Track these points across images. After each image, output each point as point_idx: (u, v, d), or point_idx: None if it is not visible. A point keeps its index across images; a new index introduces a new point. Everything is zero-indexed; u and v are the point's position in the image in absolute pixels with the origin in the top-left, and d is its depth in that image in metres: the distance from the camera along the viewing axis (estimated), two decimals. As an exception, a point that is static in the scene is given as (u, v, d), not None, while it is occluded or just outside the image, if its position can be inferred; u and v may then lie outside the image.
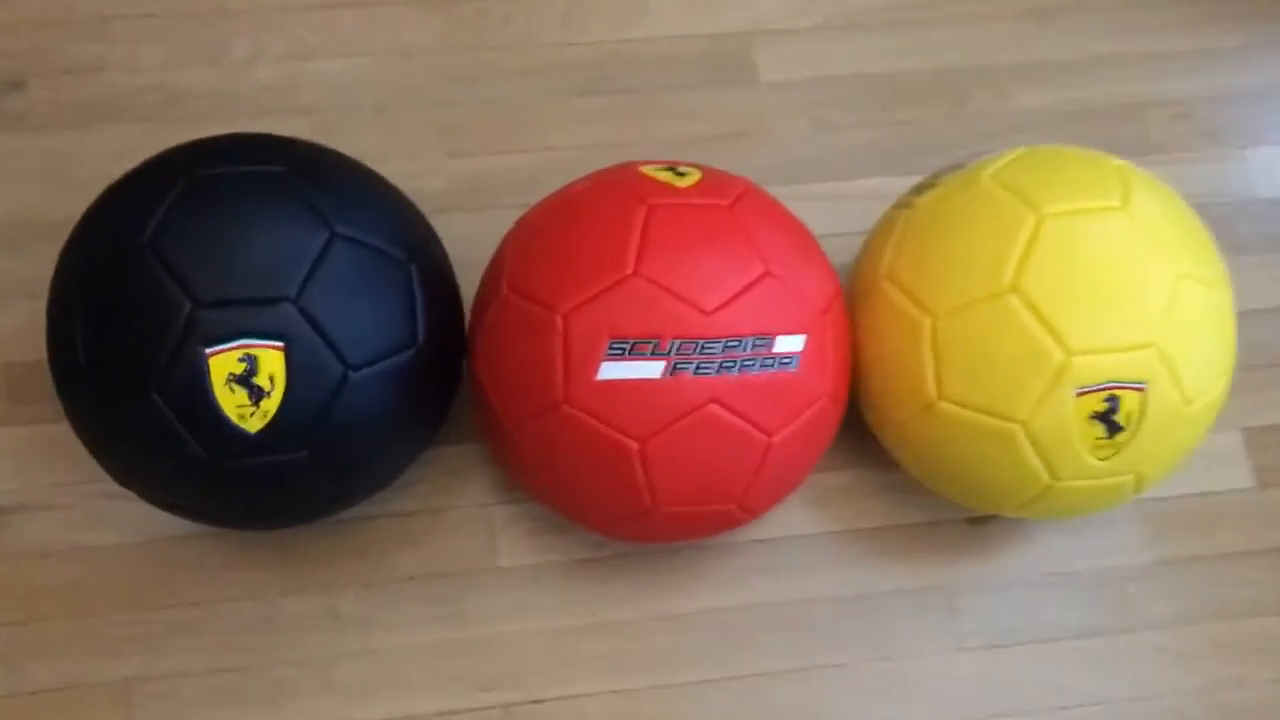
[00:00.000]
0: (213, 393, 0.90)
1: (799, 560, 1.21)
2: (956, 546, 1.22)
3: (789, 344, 0.96)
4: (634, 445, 0.94)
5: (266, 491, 0.97)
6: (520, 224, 1.05)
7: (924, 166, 1.22)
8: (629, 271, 0.94)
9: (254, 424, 0.92)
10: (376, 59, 1.34)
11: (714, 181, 1.02)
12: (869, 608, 1.20)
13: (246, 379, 0.91)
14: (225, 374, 0.90)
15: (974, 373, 0.96)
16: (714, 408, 0.94)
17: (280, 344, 0.91)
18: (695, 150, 1.20)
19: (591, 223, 0.98)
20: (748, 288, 0.95)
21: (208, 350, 0.90)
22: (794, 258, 1.00)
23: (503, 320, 0.99)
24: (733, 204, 1.00)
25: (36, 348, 1.12)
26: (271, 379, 0.91)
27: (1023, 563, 1.22)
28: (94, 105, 1.29)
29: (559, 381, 0.95)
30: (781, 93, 1.36)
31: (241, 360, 0.90)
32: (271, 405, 0.92)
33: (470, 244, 1.10)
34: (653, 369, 0.93)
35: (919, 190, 1.07)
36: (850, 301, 1.07)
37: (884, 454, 1.15)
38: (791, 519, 1.20)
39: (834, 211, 1.23)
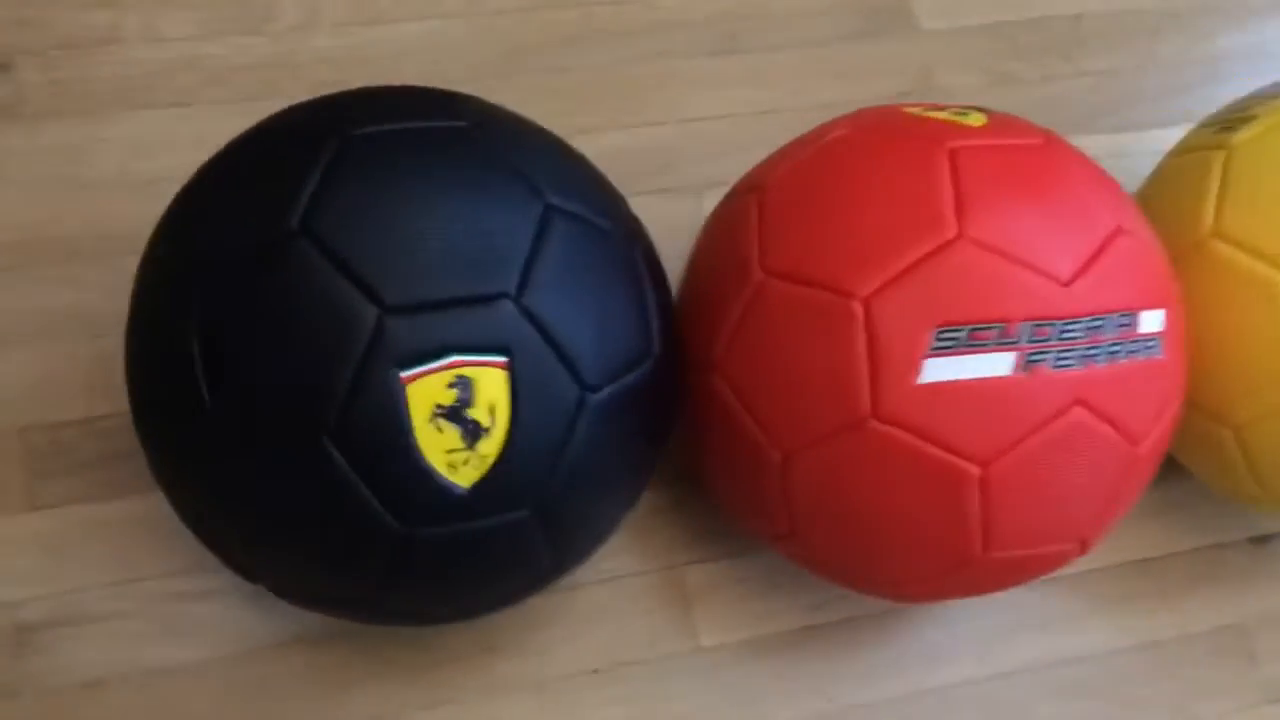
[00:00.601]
0: (413, 435, 0.62)
1: (1063, 609, 0.96)
2: (1243, 573, 0.98)
3: (1151, 321, 0.72)
4: (973, 470, 0.69)
5: (468, 570, 0.69)
6: (755, 188, 0.78)
7: (1121, 123, 1.05)
8: (952, 234, 0.68)
9: (467, 475, 0.64)
10: (461, 20, 1.06)
11: (1004, 120, 0.77)
12: (1154, 661, 0.96)
13: (459, 412, 0.63)
14: (430, 406, 0.62)
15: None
16: (1079, 412, 0.69)
17: (503, 359, 0.63)
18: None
19: (878, 176, 0.72)
20: (1101, 248, 0.71)
21: (404, 374, 0.61)
22: (1132, 209, 0.75)
23: (761, 315, 0.73)
24: (1045, 144, 0.75)
25: (59, 405, 0.85)
26: (492, 410, 0.63)
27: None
28: (106, 88, 0.99)
29: (863, 389, 0.69)
30: (947, 42, 1.13)
31: (452, 385, 0.63)
32: (492, 447, 0.64)
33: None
34: (999, 363, 0.68)
35: (1226, 127, 0.84)
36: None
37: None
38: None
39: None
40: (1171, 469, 0.94)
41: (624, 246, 0.72)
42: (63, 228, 0.95)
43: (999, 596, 0.93)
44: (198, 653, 0.86)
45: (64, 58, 1.00)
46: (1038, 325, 0.69)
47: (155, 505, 0.82)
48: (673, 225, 0.84)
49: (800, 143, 0.80)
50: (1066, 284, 0.70)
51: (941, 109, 0.79)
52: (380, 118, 0.69)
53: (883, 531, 0.74)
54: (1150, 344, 0.72)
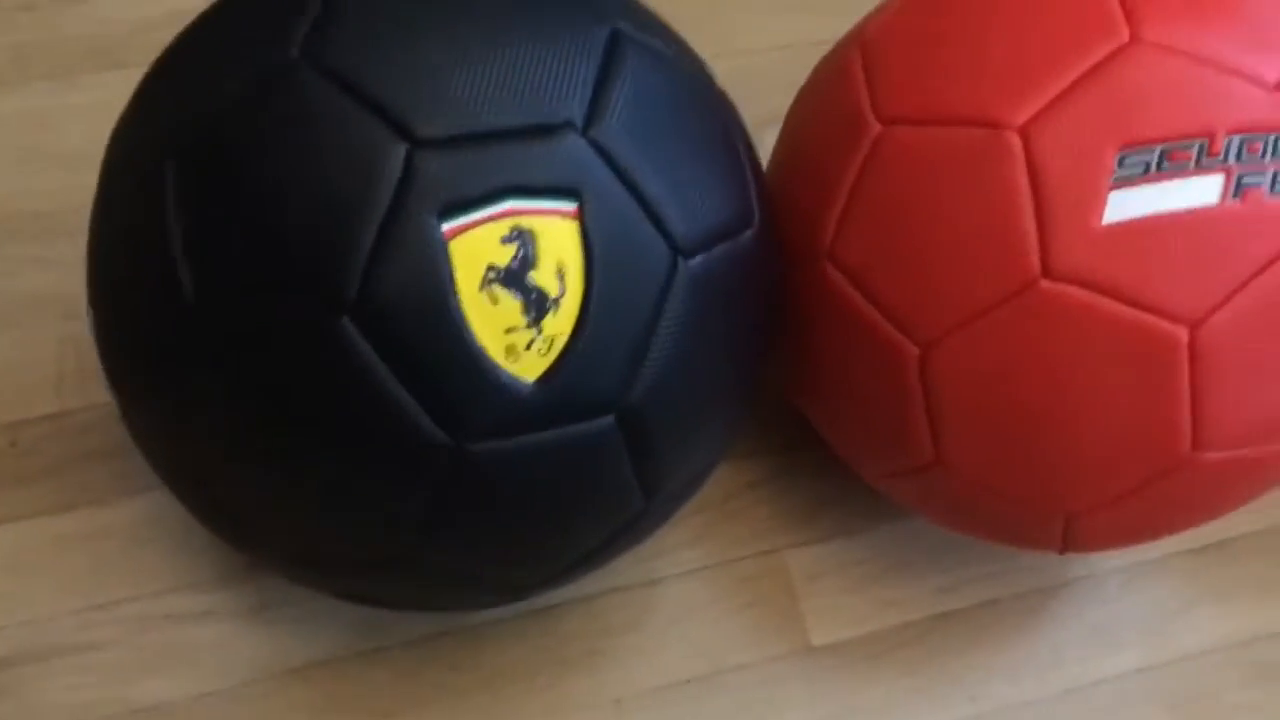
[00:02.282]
0: (459, 306, 0.45)
1: (1251, 574, 0.79)
2: None
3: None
4: (1181, 333, 0.52)
5: (539, 503, 0.51)
6: (853, 40, 0.63)
7: None
8: (1125, 38, 0.53)
9: (532, 364, 0.48)
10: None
11: None
12: (1273, 661, 0.76)
13: (519, 275, 0.46)
14: (482, 268, 0.46)
15: None
16: None
17: (572, 206, 0.47)
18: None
19: None
20: None
21: (447, 226, 0.45)
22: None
23: (882, 176, 0.57)
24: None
25: (22, 401, 0.68)
26: (562, 274, 0.47)
27: None
28: (75, 49, 0.85)
29: (1029, 241, 0.53)
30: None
31: (509, 240, 0.46)
32: (563, 324, 0.48)
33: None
34: (1205, 189, 0.52)
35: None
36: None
37: None
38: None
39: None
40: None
41: (712, 92, 0.57)
42: (29, 202, 0.80)
43: (1165, 564, 0.76)
44: (193, 686, 0.69)
45: (28, 20, 0.86)
46: (1248, 139, 0.53)
47: (137, 513, 0.66)
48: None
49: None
50: (1276, 87, 0.53)
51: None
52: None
53: (1059, 434, 0.57)
54: (1381, 172, 0.56)
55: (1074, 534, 0.63)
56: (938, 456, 0.61)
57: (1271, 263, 0.53)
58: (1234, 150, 0.53)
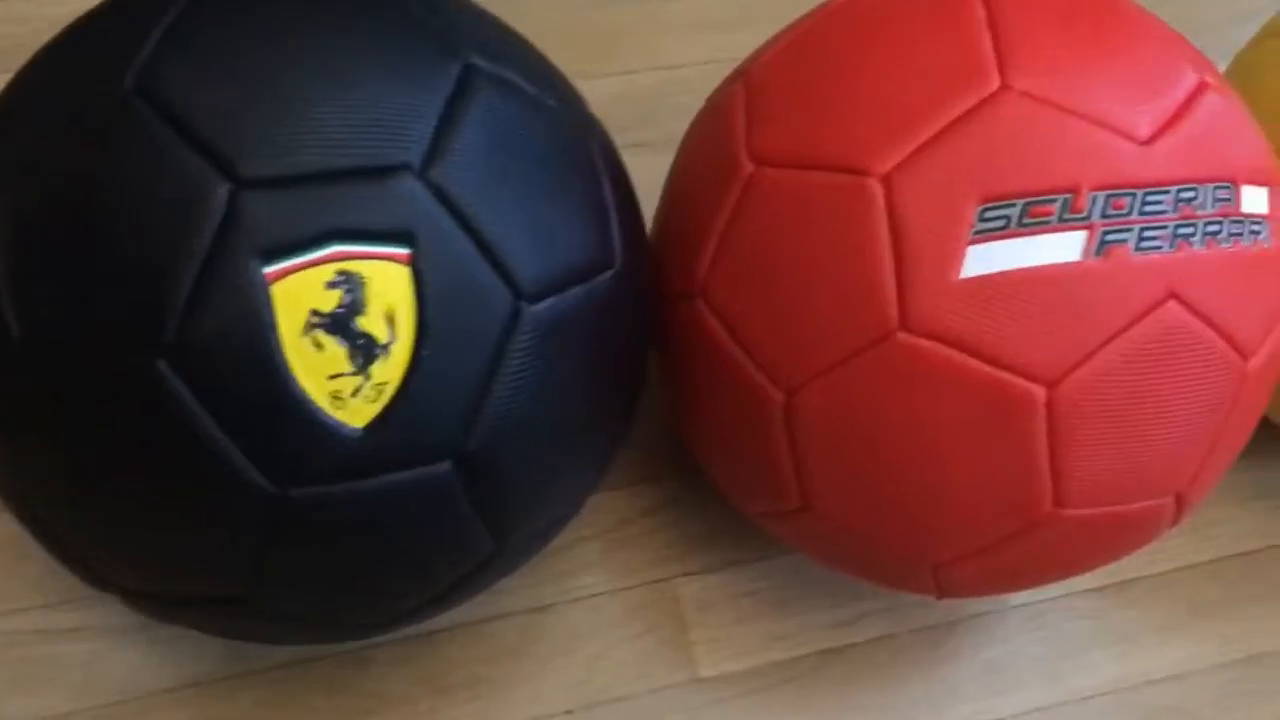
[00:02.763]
0: (281, 353, 0.44)
1: (1148, 617, 0.77)
2: None
3: (1255, 200, 0.55)
4: (1038, 392, 0.51)
5: (373, 549, 0.50)
6: (740, 74, 0.61)
7: None
8: (994, 87, 0.51)
9: (359, 411, 0.47)
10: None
11: None
12: (1261, 679, 0.75)
13: (344, 321, 0.45)
14: (305, 313, 0.45)
15: None
16: (1174, 308, 0.52)
17: (404, 250, 0.46)
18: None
19: (892, 29, 0.57)
20: (1186, 104, 0.54)
21: (269, 269, 0.44)
22: (1215, 69, 0.58)
23: (752, 217, 0.56)
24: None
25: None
26: (391, 320, 0.46)
27: None
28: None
29: (887, 292, 0.52)
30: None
31: (335, 284, 0.45)
32: (392, 372, 0.47)
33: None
34: (1066, 246, 0.51)
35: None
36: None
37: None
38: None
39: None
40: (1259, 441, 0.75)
41: (575, 130, 0.55)
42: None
43: (1067, 604, 0.75)
44: (62, 703, 0.68)
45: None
46: (1114, 195, 0.51)
47: (7, 527, 0.65)
48: (653, 182, 0.68)
49: (800, 19, 0.64)
50: (1146, 142, 0.52)
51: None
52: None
53: (919, 487, 0.56)
54: (1256, 228, 0.55)
55: (945, 582, 0.62)
56: (804, 502, 0.60)
57: (1134, 322, 0.52)
58: (1098, 206, 0.52)
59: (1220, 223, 0.54)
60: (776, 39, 0.64)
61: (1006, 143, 0.53)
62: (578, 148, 0.55)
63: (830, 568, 0.68)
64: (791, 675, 0.74)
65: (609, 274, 0.55)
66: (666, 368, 0.65)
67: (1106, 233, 0.52)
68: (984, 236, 0.52)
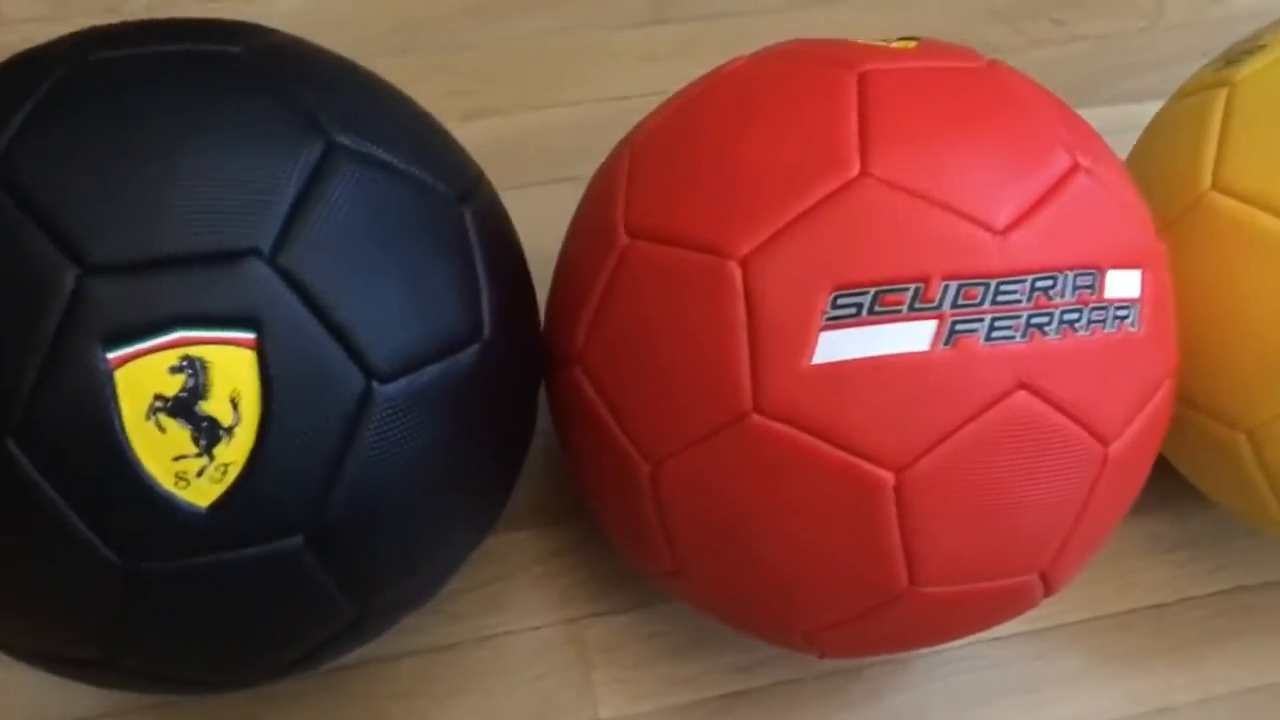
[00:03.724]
0: (124, 434, 0.46)
1: (1057, 668, 0.77)
2: (1276, 622, 0.79)
3: (1123, 284, 0.55)
4: (886, 477, 0.51)
5: (225, 619, 0.52)
6: (636, 139, 0.62)
7: (1120, 94, 0.90)
8: (854, 173, 0.52)
9: (203, 490, 0.48)
10: (346, -9, 0.92)
11: (939, 46, 0.61)
12: None
13: (187, 405, 0.47)
14: (148, 397, 0.46)
15: None
16: (1024, 398, 0.52)
17: (249, 335, 0.47)
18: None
19: (765, 107, 0.57)
20: (1053, 189, 0.54)
21: (112, 354, 0.45)
22: (1100, 149, 0.58)
23: (625, 288, 0.56)
24: (989, 66, 0.59)
25: None
26: (236, 403, 0.47)
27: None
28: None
29: (742, 375, 0.52)
30: (911, 7, 0.96)
31: (178, 369, 0.47)
32: (236, 453, 0.48)
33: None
34: (916, 335, 0.51)
35: (1230, 61, 0.67)
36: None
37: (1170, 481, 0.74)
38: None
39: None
40: (1187, 491, 0.76)
41: (445, 203, 0.56)
42: None
43: (974, 651, 0.75)
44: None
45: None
46: (966, 285, 0.52)
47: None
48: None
49: (693, 82, 0.64)
50: (1003, 231, 0.52)
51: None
52: (130, 42, 0.54)
53: (779, 562, 0.57)
54: (1123, 312, 0.55)
55: (821, 645, 0.63)
56: (676, 567, 0.61)
57: (982, 411, 0.53)
58: (950, 296, 0.52)
59: (1079, 310, 0.54)
60: (664, 105, 0.64)
61: (861, 230, 0.53)
62: (447, 220, 0.56)
63: (721, 622, 0.69)
64: (694, 718, 0.75)
65: (475, 347, 0.56)
66: (557, 427, 0.66)
67: (957, 323, 0.52)
68: (836, 324, 0.52)
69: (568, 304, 0.62)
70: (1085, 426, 0.55)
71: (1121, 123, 0.81)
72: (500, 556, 0.77)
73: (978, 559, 0.56)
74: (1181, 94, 0.72)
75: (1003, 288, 0.53)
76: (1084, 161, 0.57)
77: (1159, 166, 0.69)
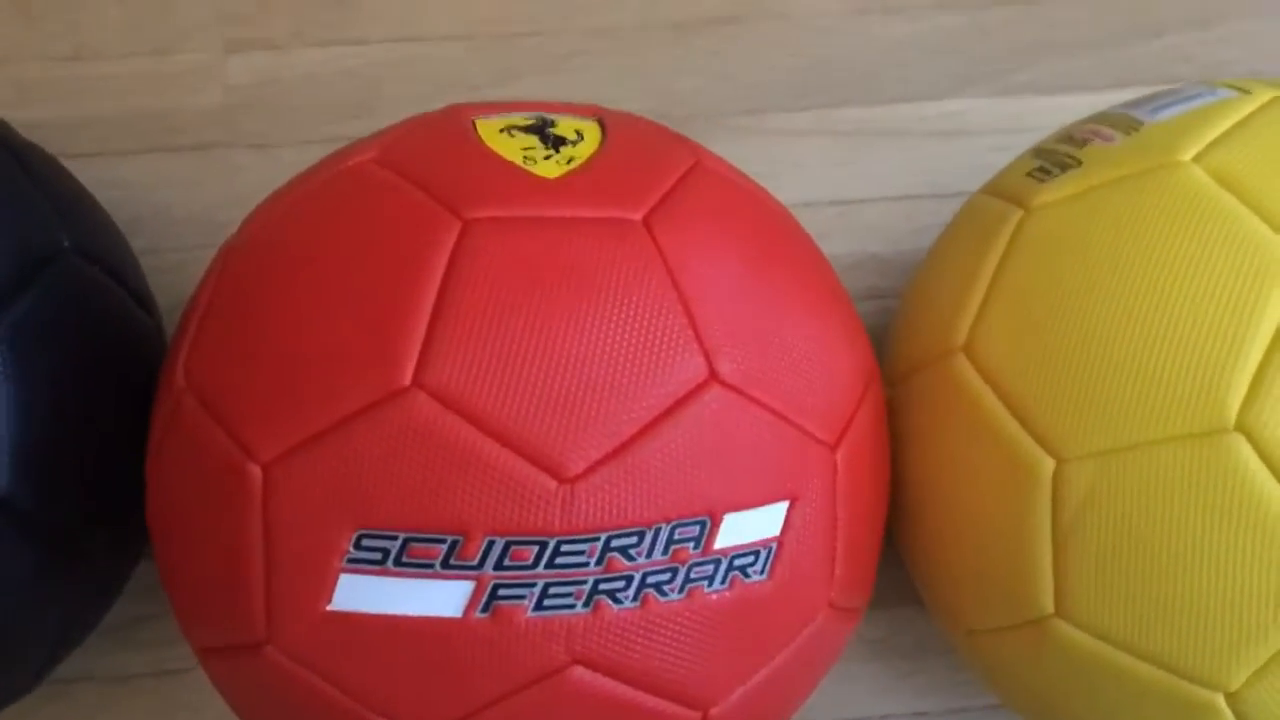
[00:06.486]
0: None
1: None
2: None
3: (749, 527, 0.44)
4: (411, 743, 0.42)
5: None
6: (232, 249, 0.51)
7: (1041, 81, 0.74)
8: (404, 380, 0.41)
9: None
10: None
11: (621, 159, 0.47)
12: None
13: None
14: None
15: (1145, 580, 0.46)
16: (580, 673, 0.42)
17: None
18: (651, 48, 0.74)
19: (345, 257, 0.44)
20: (661, 418, 0.42)
21: None
22: (778, 325, 0.46)
23: (172, 449, 0.47)
24: (650, 214, 0.46)
25: None
26: None
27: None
28: None
29: (257, 602, 0.43)
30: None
31: None
32: None
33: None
34: (447, 598, 0.41)
35: (1048, 167, 0.53)
36: (903, 379, 0.55)
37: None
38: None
39: (881, 160, 0.73)
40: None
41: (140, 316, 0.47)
42: None
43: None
44: None
45: None
46: (515, 543, 0.41)
47: None
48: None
49: (313, 167, 0.52)
50: (572, 480, 0.41)
51: (542, 122, 0.50)
52: None
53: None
54: (745, 562, 0.44)
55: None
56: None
57: (522, 689, 0.44)
58: (494, 555, 0.42)
59: (671, 571, 0.44)
60: (276, 197, 0.52)
61: (395, 460, 0.43)
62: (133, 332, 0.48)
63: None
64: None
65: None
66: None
67: (500, 586, 0.42)
68: (358, 568, 0.43)
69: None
70: (672, 698, 0.45)
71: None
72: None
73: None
74: (991, 188, 0.58)
75: (564, 548, 0.43)
76: (729, 361, 0.45)
77: (933, 292, 0.56)
